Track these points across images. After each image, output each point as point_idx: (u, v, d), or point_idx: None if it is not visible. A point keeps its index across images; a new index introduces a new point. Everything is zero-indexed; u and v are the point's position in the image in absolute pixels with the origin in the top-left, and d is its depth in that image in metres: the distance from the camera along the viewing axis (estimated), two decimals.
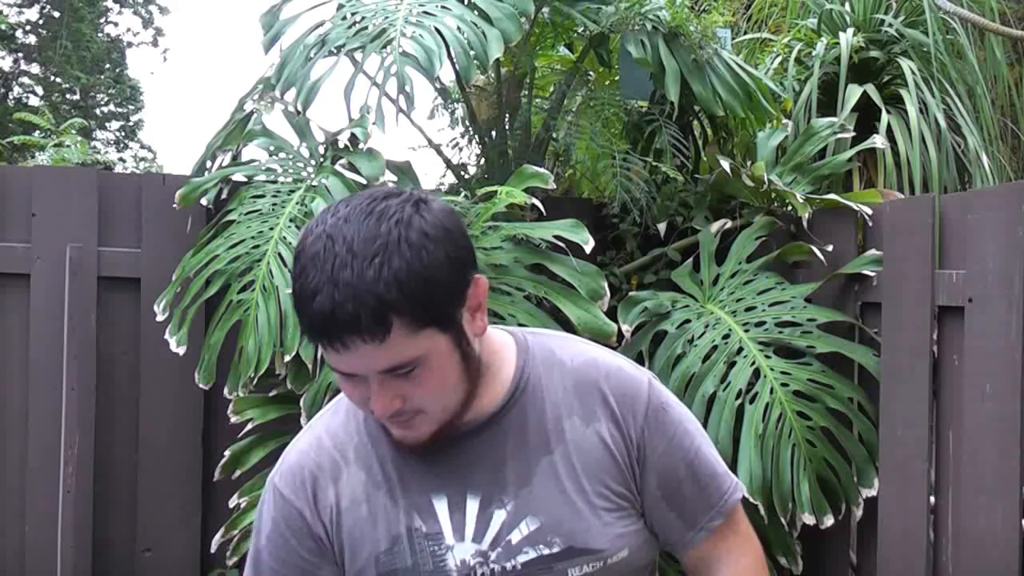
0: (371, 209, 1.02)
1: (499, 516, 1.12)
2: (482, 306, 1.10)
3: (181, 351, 2.35)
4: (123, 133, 19.00)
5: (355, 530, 1.14)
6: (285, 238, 2.37)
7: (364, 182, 2.46)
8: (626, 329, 2.35)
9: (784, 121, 2.93)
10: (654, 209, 2.63)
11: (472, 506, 1.12)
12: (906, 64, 3.38)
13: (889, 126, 3.20)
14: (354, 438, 1.18)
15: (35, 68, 17.80)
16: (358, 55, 2.42)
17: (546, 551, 1.11)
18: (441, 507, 1.13)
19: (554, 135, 2.80)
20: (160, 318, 2.40)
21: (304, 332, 1.04)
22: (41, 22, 17.68)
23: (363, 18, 2.51)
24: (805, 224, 2.47)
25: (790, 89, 3.36)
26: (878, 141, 2.85)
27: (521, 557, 1.11)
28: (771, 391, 2.26)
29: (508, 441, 1.14)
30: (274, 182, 2.54)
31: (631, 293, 2.48)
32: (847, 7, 3.74)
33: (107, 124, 18.83)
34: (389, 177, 2.58)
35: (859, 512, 2.28)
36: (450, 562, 1.11)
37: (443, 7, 2.47)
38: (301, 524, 1.16)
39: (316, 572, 1.16)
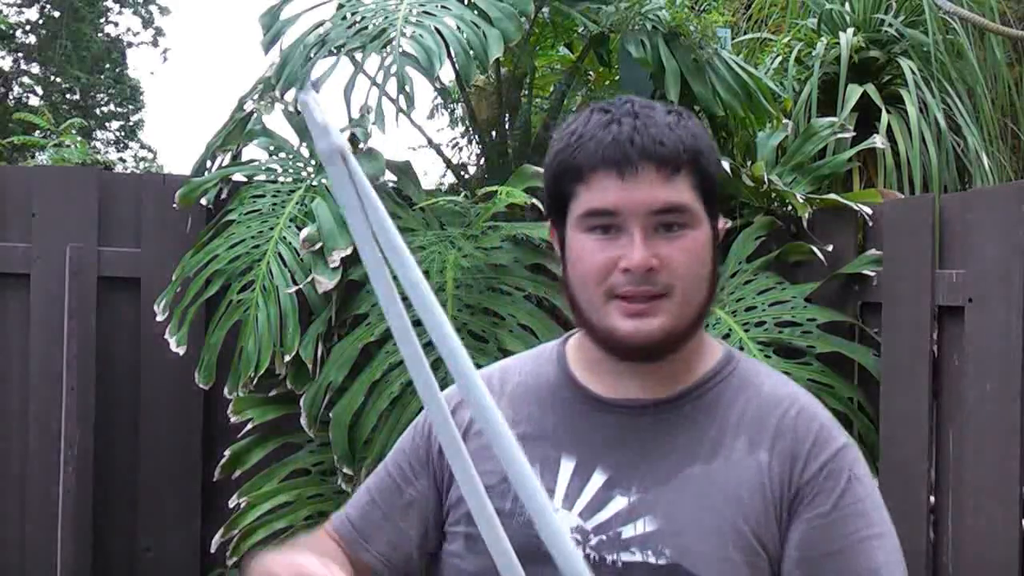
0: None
1: (618, 502, 1.04)
2: (717, 248, 1.09)
3: (181, 351, 2.35)
4: (123, 133, 19.00)
5: (473, 456, 1.10)
6: (285, 238, 2.37)
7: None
8: None
9: (784, 121, 2.93)
10: None
11: (596, 480, 1.05)
12: (906, 64, 3.38)
13: (889, 126, 3.21)
14: (525, 376, 1.15)
15: (35, 68, 17.80)
16: (358, 55, 2.42)
17: (652, 560, 1.01)
18: (566, 468, 1.06)
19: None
20: (160, 318, 2.40)
21: (578, 165, 1.03)
22: (41, 22, 17.68)
23: (363, 18, 2.51)
24: (805, 224, 2.47)
25: (790, 89, 3.37)
26: (878, 141, 2.85)
27: (625, 556, 1.02)
28: None
29: (665, 434, 1.06)
30: (274, 182, 2.55)
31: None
32: (847, 7, 3.74)
33: (107, 124, 18.82)
34: (389, 177, 2.58)
35: None
36: None
37: (443, 7, 2.47)
38: (427, 435, 1.14)
39: (407, 482, 1.14)
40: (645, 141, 1.00)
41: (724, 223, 1.11)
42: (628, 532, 1.02)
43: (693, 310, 1.04)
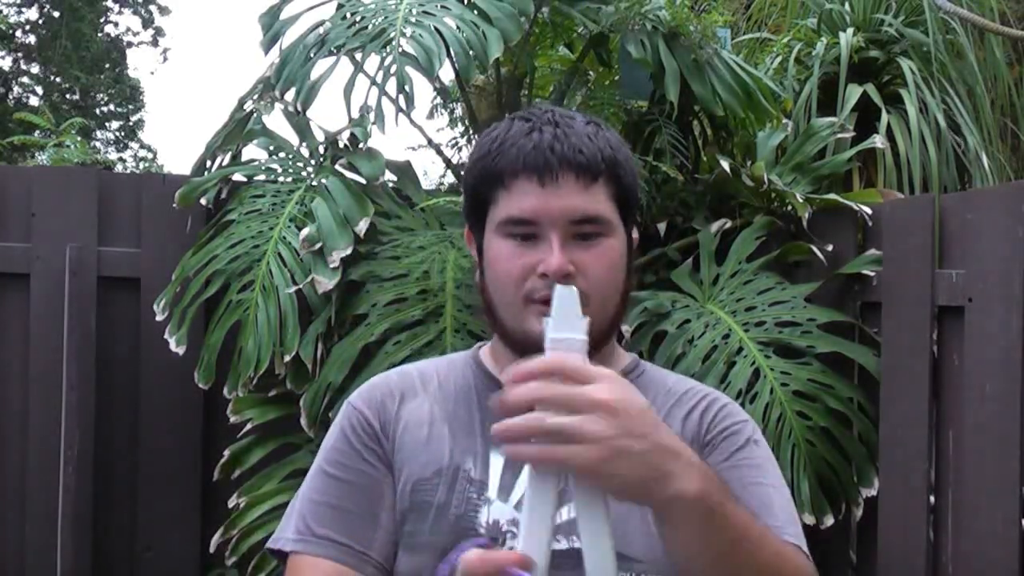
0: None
1: None
2: (633, 257, 1.15)
3: (181, 351, 2.35)
4: (123, 133, 19.01)
5: (406, 448, 1.11)
6: (285, 238, 2.37)
7: (364, 182, 2.46)
8: (626, 329, 2.35)
9: (784, 121, 2.93)
10: (654, 209, 2.63)
11: (527, 472, 1.07)
12: (906, 64, 3.38)
13: (889, 126, 3.20)
14: (444, 379, 1.16)
15: (35, 68, 17.81)
16: (358, 55, 2.42)
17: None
18: (497, 462, 1.09)
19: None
20: (160, 318, 2.40)
21: (499, 171, 1.06)
22: (41, 22, 17.68)
23: (363, 18, 2.51)
24: (805, 224, 2.47)
25: (790, 89, 3.36)
26: (878, 141, 2.85)
27: (552, 544, 1.05)
28: (771, 391, 2.26)
29: None
30: (274, 182, 2.54)
31: (631, 293, 2.47)
32: (847, 7, 3.74)
33: (107, 124, 18.83)
34: (389, 177, 2.58)
35: (859, 512, 2.28)
36: (482, 516, 1.07)
37: (443, 7, 2.47)
38: (368, 429, 1.12)
39: (381, 482, 1.10)
40: (565, 149, 1.04)
41: (636, 236, 1.17)
42: (555, 520, 1.04)
43: (608, 317, 1.10)
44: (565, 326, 0.83)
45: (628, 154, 1.11)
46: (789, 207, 2.55)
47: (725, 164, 2.54)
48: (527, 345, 1.06)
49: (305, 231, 2.32)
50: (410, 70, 2.33)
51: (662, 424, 0.87)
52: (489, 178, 1.08)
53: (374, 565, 1.08)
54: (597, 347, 1.08)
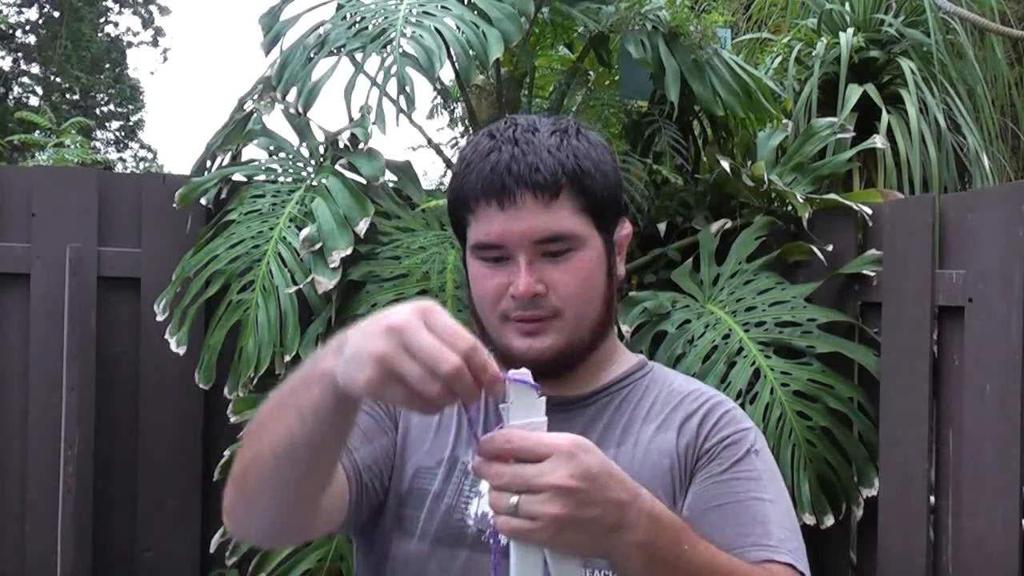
0: (544, 117, 1.12)
1: None
2: (623, 251, 1.15)
3: (181, 351, 2.35)
4: (123, 133, 19.02)
5: (414, 431, 1.15)
6: (285, 238, 2.37)
7: (364, 182, 2.46)
8: (626, 330, 2.35)
9: (784, 121, 2.93)
10: (654, 209, 2.63)
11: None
12: (906, 64, 3.38)
13: (889, 126, 3.21)
14: None
15: (35, 68, 17.81)
16: (358, 55, 2.42)
17: None
18: None
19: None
20: (160, 318, 2.40)
21: (465, 195, 1.07)
22: (41, 22, 17.68)
23: (363, 18, 2.51)
24: (805, 224, 2.47)
25: (790, 89, 3.37)
26: (878, 141, 2.84)
27: None
28: (771, 391, 2.26)
29: (579, 427, 1.10)
30: (274, 182, 2.54)
31: (631, 293, 2.48)
32: (847, 7, 3.74)
33: (107, 124, 18.83)
34: (389, 177, 2.58)
35: (859, 512, 2.28)
36: (472, 508, 1.10)
37: (443, 7, 2.47)
38: (387, 409, 1.17)
39: (389, 429, 1.15)
40: (522, 169, 1.04)
41: (627, 231, 1.15)
42: None
43: (586, 328, 1.10)
44: (524, 413, 0.87)
45: (600, 159, 1.10)
46: (789, 207, 2.54)
47: (725, 164, 2.54)
48: (508, 358, 1.10)
49: (305, 231, 2.32)
50: (410, 70, 2.33)
51: (615, 476, 0.88)
52: (458, 202, 1.11)
53: (352, 459, 1.11)
54: (578, 358, 1.11)
